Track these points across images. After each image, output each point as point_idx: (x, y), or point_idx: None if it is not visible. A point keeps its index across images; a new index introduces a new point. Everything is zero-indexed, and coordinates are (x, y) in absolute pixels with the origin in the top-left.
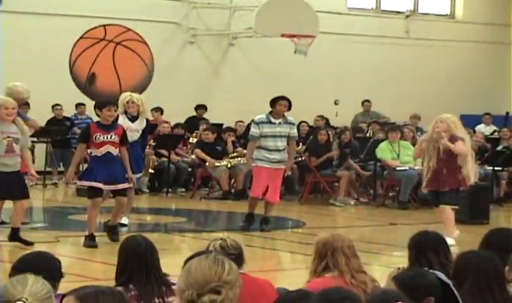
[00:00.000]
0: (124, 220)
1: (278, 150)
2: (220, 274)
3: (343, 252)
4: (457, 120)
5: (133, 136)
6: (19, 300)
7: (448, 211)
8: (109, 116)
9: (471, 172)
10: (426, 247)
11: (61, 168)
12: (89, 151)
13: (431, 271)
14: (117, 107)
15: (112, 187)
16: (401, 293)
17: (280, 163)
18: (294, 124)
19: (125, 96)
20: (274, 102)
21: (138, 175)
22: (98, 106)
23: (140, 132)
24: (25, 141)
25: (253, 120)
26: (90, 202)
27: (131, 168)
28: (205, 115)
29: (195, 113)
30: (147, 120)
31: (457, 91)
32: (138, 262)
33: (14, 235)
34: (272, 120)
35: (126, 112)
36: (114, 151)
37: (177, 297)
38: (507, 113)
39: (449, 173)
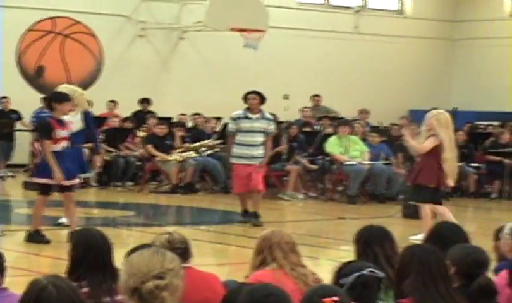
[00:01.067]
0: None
1: (256, 145)
2: (162, 262)
3: (280, 248)
4: (443, 117)
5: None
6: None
7: (425, 210)
8: (70, 110)
9: (449, 171)
10: (372, 240)
11: (10, 162)
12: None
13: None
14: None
15: (68, 183)
16: (339, 288)
17: (259, 158)
18: (271, 120)
19: (60, 88)
20: (245, 97)
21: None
22: (57, 100)
23: (76, 124)
24: None
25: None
26: (40, 198)
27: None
28: (154, 109)
29: (140, 107)
30: (85, 112)
31: (405, 86)
32: (95, 256)
33: None
34: (249, 115)
35: None
36: (68, 145)
37: (121, 290)
38: (455, 108)
39: (421, 170)
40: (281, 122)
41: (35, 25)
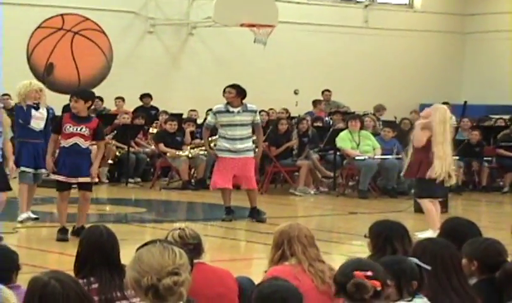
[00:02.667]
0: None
1: (239, 139)
2: (173, 258)
3: (299, 241)
4: (438, 109)
5: (39, 124)
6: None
7: (425, 205)
8: (72, 107)
9: (438, 164)
10: (393, 236)
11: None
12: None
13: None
14: (79, 98)
15: (74, 180)
16: (376, 264)
17: (245, 152)
18: (255, 111)
19: (25, 84)
20: (223, 91)
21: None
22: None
23: (45, 121)
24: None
25: (210, 109)
26: (58, 195)
27: (41, 162)
28: (164, 105)
29: (141, 103)
30: (48, 109)
31: (415, 81)
32: (100, 254)
33: None
34: (230, 109)
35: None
36: (83, 143)
37: (130, 289)
38: (465, 102)
39: (416, 163)
40: (292, 117)
41: (44, 22)
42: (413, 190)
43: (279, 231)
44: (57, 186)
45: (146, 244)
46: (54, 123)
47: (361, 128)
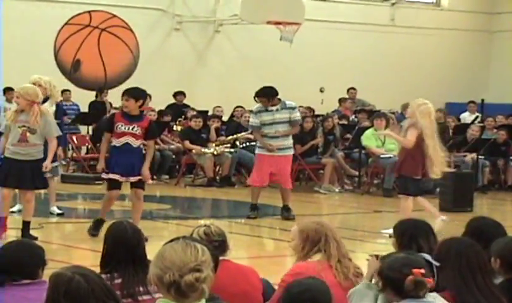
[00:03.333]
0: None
1: (279, 137)
2: (195, 255)
3: (334, 238)
4: (424, 107)
5: None
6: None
7: (402, 203)
8: (123, 106)
9: (435, 160)
10: (418, 234)
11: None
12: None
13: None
14: (130, 96)
15: (125, 180)
16: (422, 260)
17: (284, 150)
18: (294, 108)
19: (33, 79)
20: (256, 96)
21: (56, 163)
22: (129, 95)
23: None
24: (48, 130)
25: (251, 111)
26: (107, 193)
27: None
28: (190, 102)
29: (175, 100)
30: (57, 104)
31: (442, 79)
32: (125, 250)
33: (24, 230)
34: (269, 107)
35: None
36: (134, 142)
37: (153, 285)
38: (483, 100)
39: (404, 160)
40: (317, 115)
41: (71, 19)
42: (438, 189)
43: (314, 229)
44: (107, 185)
45: (171, 241)
46: (106, 122)
47: (387, 126)
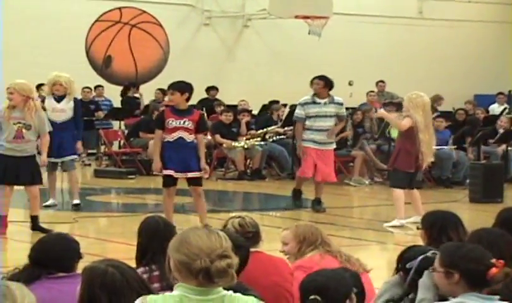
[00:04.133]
0: (50, 202)
1: (324, 130)
2: (220, 241)
3: (326, 237)
4: (419, 100)
5: (60, 116)
6: None
7: (394, 193)
8: (169, 101)
9: (425, 153)
10: (447, 225)
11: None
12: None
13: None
14: (175, 90)
15: (183, 175)
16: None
17: (327, 144)
18: (341, 104)
19: (52, 78)
20: (311, 82)
21: (74, 157)
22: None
23: (68, 112)
24: (41, 127)
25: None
26: (164, 191)
27: (68, 150)
28: (219, 96)
29: (207, 95)
30: (75, 100)
31: (470, 71)
32: (159, 242)
33: (34, 224)
34: (317, 100)
35: (53, 93)
36: (188, 137)
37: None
38: (510, 91)
39: (398, 154)
40: (346, 108)
41: (102, 16)
42: (468, 180)
43: (310, 231)
44: (163, 182)
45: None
46: (156, 119)
47: None
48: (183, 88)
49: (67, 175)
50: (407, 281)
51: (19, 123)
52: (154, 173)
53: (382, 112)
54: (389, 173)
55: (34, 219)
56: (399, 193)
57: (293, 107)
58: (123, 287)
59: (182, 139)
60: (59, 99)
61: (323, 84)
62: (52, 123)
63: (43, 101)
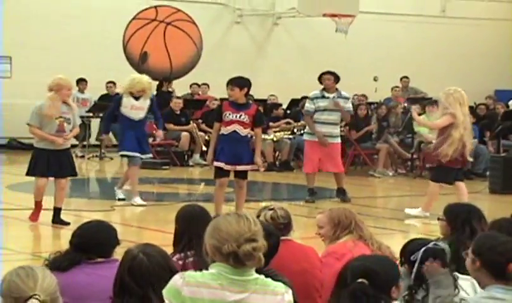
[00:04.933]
0: (120, 195)
1: (332, 123)
2: (249, 226)
3: (361, 221)
4: (458, 94)
5: (138, 114)
6: (32, 296)
7: (431, 187)
8: (229, 96)
9: (450, 148)
10: (472, 217)
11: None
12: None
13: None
14: (235, 85)
15: (233, 168)
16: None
17: (333, 137)
18: (348, 98)
19: (133, 81)
20: (320, 78)
21: (148, 155)
22: (236, 84)
23: (145, 110)
24: (76, 120)
25: (307, 97)
26: (216, 182)
27: (141, 147)
28: (251, 92)
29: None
30: (151, 98)
31: (491, 68)
32: (195, 227)
33: (56, 217)
34: (326, 94)
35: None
36: (242, 131)
37: (211, 256)
38: None
39: (435, 149)
40: (371, 103)
41: (139, 14)
42: (488, 173)
43: (344, 215)
44: (214, 173)
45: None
46: (215, 112)
47: None
48: (243, 83)
49: (129, 168)
50: (413, 273)
51: (61, 117)
52: (205, 163)
53: (418, 118)
54: (432, 168)
55: (57, 212)
56: (436, 187)
57: None
58: (148, 273)
59: (236, 132)
60: (137, 97)
61: (334, 78)
62: (130, 120)
63: (120, 98)
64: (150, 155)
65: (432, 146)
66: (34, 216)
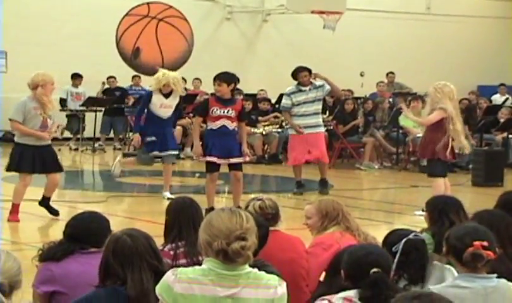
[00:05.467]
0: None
1: (312, 114)
2: (241, 223)
3: (348, 213)
4: (447, 89)
5: (167, 112)
6: None
7: (434, 183)
8: (216, 91)
9: (455, 142)
10: (448, 209)
11: (111, 135)
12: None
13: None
14: (222, 81)
15: (226, 161)
16: (490, 233)
17: (317, 127)
18: (322, 85)
19: (161, 79)
20: (295, 75)
21: (175, 152)
22: (222, 79)
23: (174, 108)
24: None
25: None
26: (207, 176)
27: (171, 145)
28: (239, 86)
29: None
30: (180, 97)
31: (474, 63)
32: (185, 220)
33: (44, 202)
34: (302, 88)
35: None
36: (230, 125)
37: (204, 250)
38: None
39: (427, 143)
40: (357, 98)
41: (131, 10)
42: (471, 166)
43: (332, 206)
44: (207, 168)
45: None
46: (199, 106)
47: (422, 108)
48: (230, 79)
49: (163, 167)
50: (394, 264)
51: (45, 113)
52: (194, 158)
53: (411, 116)
54: (427, 163)
55: (45, 198)
56: (440, 182)
57: None
58: (132, 253)
59: (225, 127)
60: (166, 95)
61: (309, 74)
62: (158, 118)
63: (150, 94)
64: (176, 152)
65: (423, 140)
66: (14, 216)
